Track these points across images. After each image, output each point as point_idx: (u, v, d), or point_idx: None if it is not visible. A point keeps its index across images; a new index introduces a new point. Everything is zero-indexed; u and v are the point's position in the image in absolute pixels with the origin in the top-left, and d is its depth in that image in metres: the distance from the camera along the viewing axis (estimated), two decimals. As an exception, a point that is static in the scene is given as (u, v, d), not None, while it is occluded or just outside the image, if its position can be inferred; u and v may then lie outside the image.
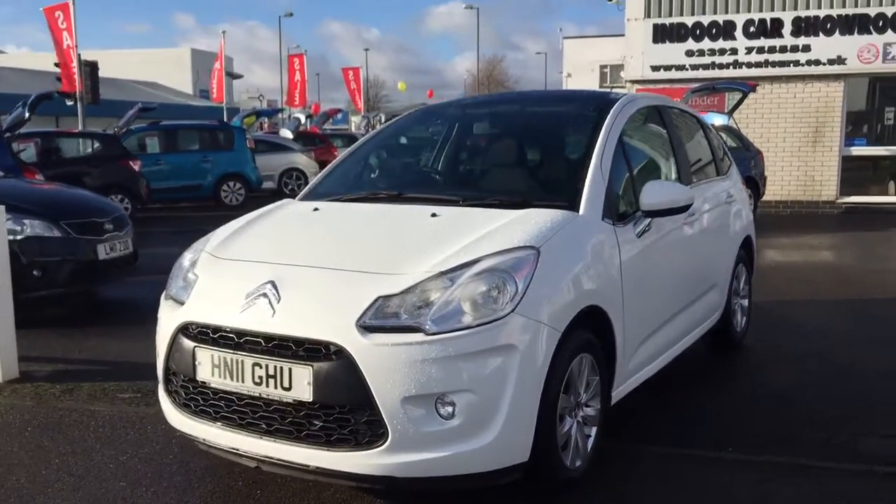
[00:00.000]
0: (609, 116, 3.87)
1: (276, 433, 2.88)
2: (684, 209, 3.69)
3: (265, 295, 2.94)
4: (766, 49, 14.05)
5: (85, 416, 4.19)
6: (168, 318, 3.23)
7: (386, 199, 3.77)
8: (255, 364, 2.88)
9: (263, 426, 2.91)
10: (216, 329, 3.01)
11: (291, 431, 2.85)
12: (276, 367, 2.83)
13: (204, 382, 3.03)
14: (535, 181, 3.87)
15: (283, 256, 3.18)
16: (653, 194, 3.60)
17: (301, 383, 2.77)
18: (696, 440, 3.75)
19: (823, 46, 13.80)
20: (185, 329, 3.11)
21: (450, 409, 2.70)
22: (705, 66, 14.30)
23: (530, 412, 2.83)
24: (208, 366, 3.00)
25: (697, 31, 14.33)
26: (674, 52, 14.46)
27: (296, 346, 2.81)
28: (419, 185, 4.14)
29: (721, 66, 14.22)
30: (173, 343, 3.15)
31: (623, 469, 3.41)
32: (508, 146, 4.05)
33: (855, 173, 14.15)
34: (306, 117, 26.19)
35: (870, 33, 13.63)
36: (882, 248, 10.41)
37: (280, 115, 25.64)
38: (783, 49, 13.98)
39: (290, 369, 2.80)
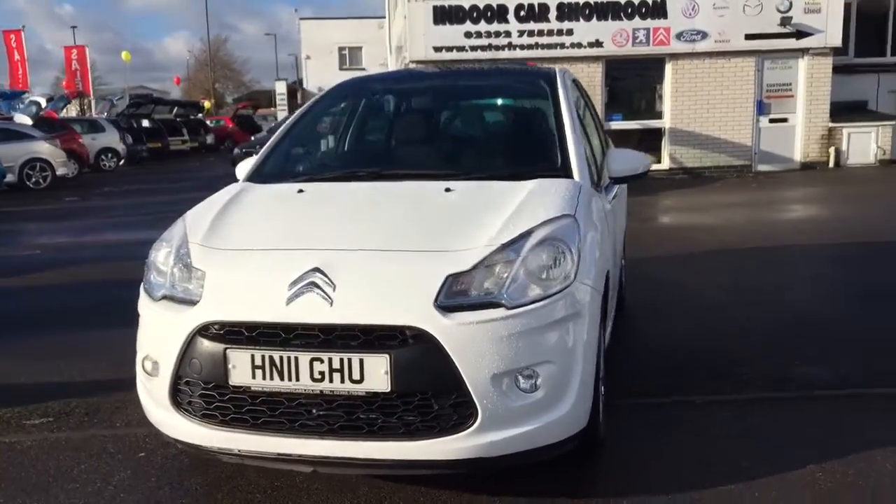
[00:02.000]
0: (560, 87, 4.05)
1: (340, 431, 2.71)
2: (644, 175, 3.95)
3: (314, 284, 2.73)
4: (535, 32, 15.04)
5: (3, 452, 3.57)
6: (173, 322, 2.88)
7: (367, 177, 3.62)
8: (313, 359, 2.67)
9: (323, 425, 2.72)
10: (252, 327, 2.74)
11: (361, 427, 2.69)
12: (341, 359, 2.65)
13: (240, 387, 2.75)
14: (524, 152, 3.91)
15: (314, 241, 2.96)
16: (620, 161, 3.79)
17: (376, 374, 2.62)
18: (651, 390, 4.05)
19: (584, 31, 15.06)
20: (204, 330, 2.79)
21: (533, 381, 2.71)
22: (483, 48, 14.98)
23: (592, 376, 2.93)
24: (246, 368, 2.73)
25: (474, 14, 14.95)
26: (453, 34, 14.97)
27: (364, 335, 2.65)
28: (394, 162, 4.01)
29: (497, 48, 14.98)
30: (187, 348, 2.81)
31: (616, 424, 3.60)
32: (480, 119, 4.06)
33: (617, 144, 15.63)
34: (47, 100, 23.46)
35: (621, 20, 15.10)
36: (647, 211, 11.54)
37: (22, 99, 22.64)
38: (550, 32, 15.06)
39: (360, 360, 2.63)
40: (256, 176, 3.84)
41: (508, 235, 2.86)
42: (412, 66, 15.18)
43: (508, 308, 2.69)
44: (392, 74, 5.22)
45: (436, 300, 2.67)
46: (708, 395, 3.94)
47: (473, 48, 14.99)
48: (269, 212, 3.36)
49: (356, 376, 2.64)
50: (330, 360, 2.66)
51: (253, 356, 2.73)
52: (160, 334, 2.95)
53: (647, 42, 15.10)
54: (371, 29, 50.58)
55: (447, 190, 3.31)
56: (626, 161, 3.83)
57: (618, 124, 15.48)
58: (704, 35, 15.11)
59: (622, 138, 15.51)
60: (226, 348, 2.75)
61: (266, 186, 3.64)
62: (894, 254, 7.59)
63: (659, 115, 15.66)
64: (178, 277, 3.01)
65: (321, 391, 2.69)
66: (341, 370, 2.65)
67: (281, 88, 44.14)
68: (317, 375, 2.67)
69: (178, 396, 2.89)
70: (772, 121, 15.68)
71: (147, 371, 3.05)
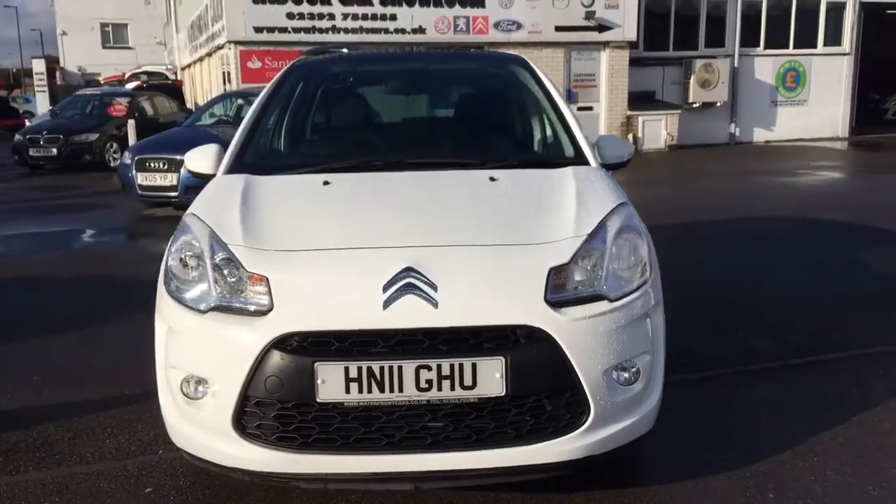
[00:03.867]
0: (539, 73, 4.03)
1: (446, 442, 2.53)
2: (627, 163, 4.02)
3: (412, 285, 2.51)
4: (359, 16, 14.83)
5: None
6: (236, 336, 2.53)
7: (385, 167, 3.38)
8: (420, 367, 2.46)
9: (427, 438, 2.52)
10: (343, 336, 2.48)
11: (469, 435, 2.53)
12: (451, 365, 2.46)
13: (329, 404, 2.48)
14: (534, 140, 3.82)
15: (392, 238, 2.71)
16: (612, 148, 3.72)
17: (490, 378, 2.47)
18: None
19: (407, 16, 15.08)
20: (282, 343, 2.48)
21: (634, 373, 2.69)
22: (307, 30, 14.52)
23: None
24: (339, 382, 2.46)
25: (297, -6, 14.45)
26: (275, 14, 14.36)
27: (474, 338, 2.49)
28: (404, 150, 3.73)
29: (321, 31, 14.59)
30: (259, 365, 2.49)
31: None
32: (477, 105, 3.91)
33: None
34: None
35: (443, 7, 15.30)
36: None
37: None
38: (374, 17, 14.92)
39: (473, 365, 2.47)
40: (239, 167, 3.45)
41: (588, 226, 2.81)
42: (230, 47, 14.39)
43: (611, 300, 2.65)
44: (361, 57, 4.89)
45: (545, 296, 2.56)
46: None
47: (296, 30, 14.50)
48: (307, 207, 3.04)
49: (468, 382, 2.47)
50: (439, 366, 2.47)
51: (347, 368, 2.46)
52: (215, 350, 2.58)
53: (467, 30, 15.43)
54: (136, 4, 47.24)
55: (492, 179, 3.19)
56: (616, 148, 3.85)
57: (441, 110, 15.68)
58: (519, 25, 15.72)
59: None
60: (314, 362, 2.46)
61: (276, 178, 3.28)
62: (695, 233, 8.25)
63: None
64: (228, 286, 2.64)
65: (428, 401, 2.48)
66: (451, 377, 2.47)
67: (39, 67, 39.93)
68: (423, 384, 2.47)
69: (244, 420, 2.55)
70: (579, 109, 16.65)
71: (188, 394, 2.66)
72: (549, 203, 2.98)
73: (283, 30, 14.44)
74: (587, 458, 2.63)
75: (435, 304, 2.49)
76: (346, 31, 14.73)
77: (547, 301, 2.55)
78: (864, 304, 5.30)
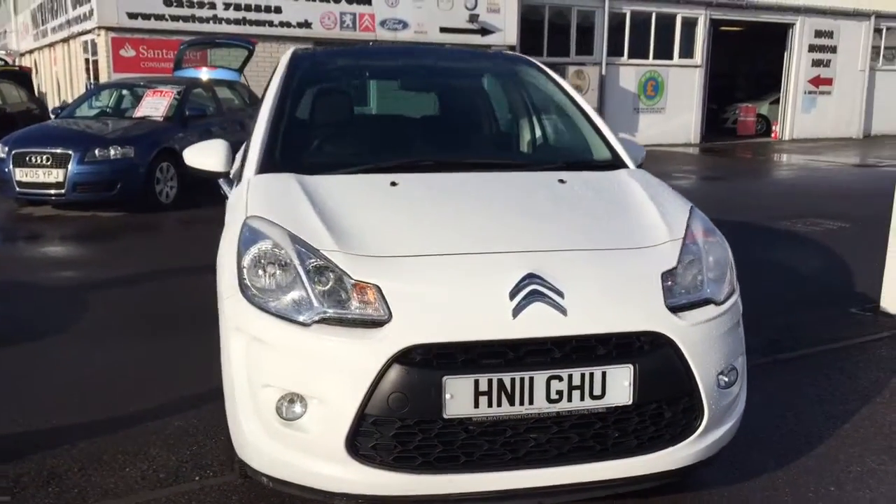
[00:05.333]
0: (553, 74, 4.00)
1: (571, 454, 2.45)
2: (641, 166, 4.05)
3: (538, 292, 2.41)
4: (242, 6, 14.22)
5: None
6: (350, 350, 2.33)
7: (435, 167, 3.23)
8: (551, 377, 2.37)
9: (552, 451, 2.43)
10: (469, 347, 2.34)
11: (593, 447, 2.46)
12: (582, 374, 2.39)
13: (455, 419, 2.34)
14: (577, 140, 3.73)
15: (503, 243, 2.59)
16: (633, 150, 3.74)
17: (619, 386, 2.41)
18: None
19: (292, 10, 14.64)
20: (405, 357, 2.31)
21: (734, 375, 2.71)
22: (185, 19, 13.75)
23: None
24: (468, 396, 2.33)
25: (176, -20, 13.64)
26: (151, 0, 13.48)
27: (602, 345, 2.42)
28: (448, 150, 3.55)
29: (201, 20, 13.87)
30: (380, 380, 2.31)
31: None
32: (507, 106, 3.80)
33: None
34: None
35: (329, 2, 14.96)
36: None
37: None
38: (258, 8, 14.36)
39: (602, 374, 2.40)
40: (273, 166, 3.18)
41: (679, 230, 2.81)
42: (99, 33, 13.39)
43: (717, 304, 2.66)
44: (367, 51, 4.63)
45: (665, 301, 2.53)
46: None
47: (175, 18, 13.72)
48: (391, 209, 2.83)
49: (597, 391, 2.40)
50: (570, 376, 2.38)
51: (477, 382, 2.33)
52: (325, 366, 2.36)
53: (353, 27, 15.19)
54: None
55: (561, 181, 3.12)
56: (636, 150, 3.84)
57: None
58: (406, 25, 15.66)
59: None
60: (443, 376, 2.31)
61: (333, 178, 3.05)
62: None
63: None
64: (330, 295, 2.42)
65: (557, 412, 2.39)
66: (581, 387, 2.39)
67: None
68: (554, 395, 2.38)
69: (357, 440, 2.35)
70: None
71: (285, 416, 2.42)
72: (628, 206, 2.97)
73: (160, 17, 13.60)
74: (697, 463, 2.63)
75: (564, 312, 2.40)
76: (228, 21, 14.10)
77: (668, 306, 2.52)
78: (798, 302, 5.62)
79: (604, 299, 2.48)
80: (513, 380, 2.34)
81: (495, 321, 2.36)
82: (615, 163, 3.50)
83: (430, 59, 4.47)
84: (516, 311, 2.37)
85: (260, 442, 2.49)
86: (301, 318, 2.41)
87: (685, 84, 20.53)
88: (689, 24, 20.42)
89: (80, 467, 3.09)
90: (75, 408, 3.69)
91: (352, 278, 2.43)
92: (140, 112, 10.11)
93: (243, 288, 2.54)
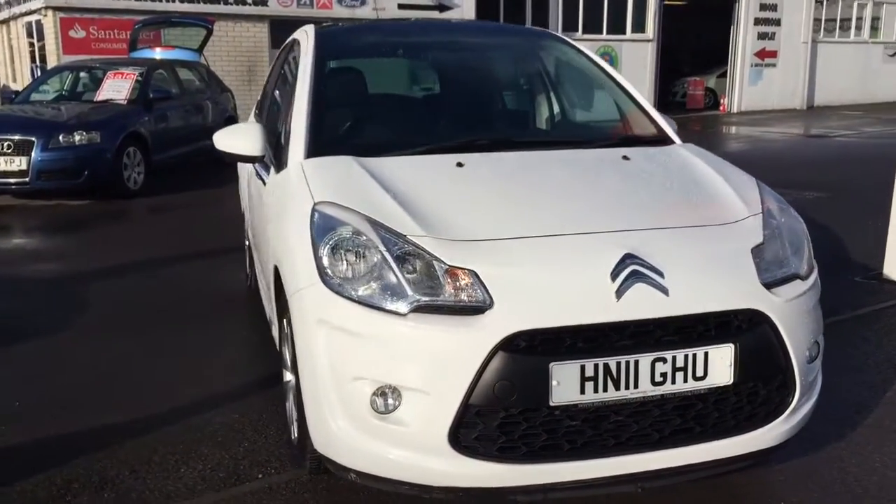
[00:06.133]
0: (584, 49, 3.93)
1: (671, 437, 2.40)
2: None
3: (639, 273, 2.34)
4: (196, -16, 13.75)
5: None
6: (452, 338, 2.24)
7: (492, 146, 3.12)
8: (656, 360, 2.32)
9: (653, 434, 2.38)
10: (576, 331, 2.27)
11: (692, 428, 2.42)
12: (685, 355, 2.34)
13: (560, 406, 2.26)
14: (622, 116, 3.65)
15: (595, 222, 2.52)
16: (671, 124, 3.71)
17: (721, 366, 2.37)
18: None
19: (248, -13, 14.20)
20: (510, 344, 2.23)
21: (817, 350, 2.69)
22: (136, -4, 13.23)
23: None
24: (574, 382, 2.26)
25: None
26: (102, -22, 12.93)
27: (703, 325, 2.37)
28: (498, 128, 3.44)
29: (154, -1, 13.37)
30: (485, 369, 2.22)
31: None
32: (546, 82, 3.70)
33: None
34: None
35: (285, -21, 14.56)
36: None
37: None
38: (212, -14, 13.90)
39: (705, 354, 2.36)
40: (323, 149, 3.03)
41: (755, 205, 2.77)
42: (46, 13, 12.80)
43: (803, 279, 2.63)
44: (392, 27, 4.44)
45: (759, 277, 2.49)
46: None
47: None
48: (468, 191, 2.73)
49: (700, 372, 2.36)
50: (674, 358, 2.33)
51: (583, 367, 2.26)
52: (426, 356, 2.26)
53: (311, 4, 14.86)
54: None
55: (625, 158, 3.05)
56: (672, 125, 3.80)
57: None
58: (363, 1, 15.39)
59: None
60: (550, 362, 2.23)
61: (395, 160, 2.92)
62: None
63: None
64: (424, 282, 2.32)
65: (662, 395, 2.34)
66: (685, 368, 2.34)
67: None
68: (658, 378, 2.32)
69: (460, 432, 2.26)
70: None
71: (379, 409, 2.31)
72: (699, 182, 2.92)
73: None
74: (786, 442, 2.60)
75: (666, 292, 2.34)
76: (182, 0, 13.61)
77: (763, 283, 2.48)
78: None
79: (702, 278, 2.42)
80: (618, 364, 2.28)
81: (599, 303, 2.29)
82: (661, 138, 3.45)
83: (462, 34, 4.32)
84: (619, 293, 2.30)
85: (349, 437, 2.38)
86: (395, 307, 2.30)
87: (638, 59, 20.69)
88: (641, -1, 20.56)
89: (130, 470, 2.94)
90: (107, 406, 3.51)
91: (445, 264, 2.33)
92: (102, 95, 9.70)
93: (324, 277, 2.41)
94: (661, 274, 2.36)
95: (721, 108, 23.46)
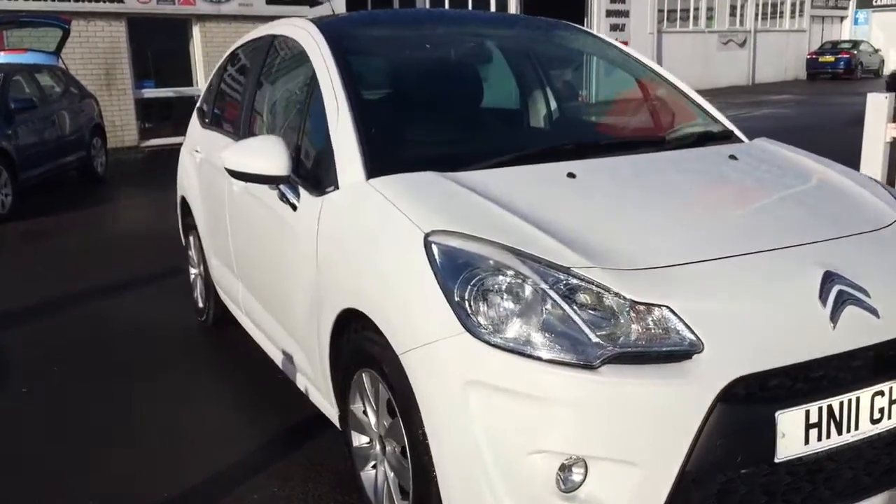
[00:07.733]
0: (618, 44, 3.60)
1: (884, 479, 2.08)
2: None
3: (846, 294, 1.98)
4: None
5: None
6: (667, 391, 1.80)
7: (576, 152, 2.67)
8: (875, 394, 1.98)
9: (865, 479, 2.04)
10: (796, 371, 1.88)
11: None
12: (898, 385, 2.01)
13: (785, 462, 1.87)
14: (687, 113, 3.25)
15: (773, 237, 2.13)
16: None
17: (930, 392, 2.06)
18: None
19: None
20: (728, 393, 1.81)
21: None
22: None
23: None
24: (800, 431, 1.90)
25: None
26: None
27: (907, 348, 2.05)
28: (571, 130, 2.96)
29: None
30: (704, 427, 1.79)
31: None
32: (595, 79, 3.29)
33: (153, 114, 13.96)
34: None
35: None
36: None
37: None
38: (59, -20, 12.46)
39: (916, 381, 2.04)
40: (386, 167, 2.45)
41: (893, 205, 2.50)
42: None
43: None
44: (415, 16, 3.81)
45: None
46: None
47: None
48: (603, 207, 2.26)
49: (912, 402, 2.03)
50: (891, 389, 2.00)
51: (808, 412, 1.88)
52: (627, 418, 1.79)
53: (172, 0, 13.65)
54: None
55: (732, 157, 2.70)
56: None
57: (150, 92, 13.80)
58: (228, -3, 14.35)
59: (158, 108, 13.99)
60: (775, 410, 1.83)
61: (493, 173, 2.41)
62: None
63: (192, 82, 14.36)
64: (605, 325, 1.85)
65: (878, 434, 2.00)
66: (899, 398, 2.01)
67: None
68: (876, 414, 1.99)
69: (675, 507, 1.82)
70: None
71: (565, 487, 1.83)
72: (822, 182, 2.64)
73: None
74: None
75: (876, 314, 2.00)
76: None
77: None
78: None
79: None
80: (841, 403, 1.92)
81: (816, 334, 1.92)
82: (728, 134, 3.13)
83: (491, 26, 3.76)
84: (834, 319, 1.94)
85: None
86: (582, 360, 1.81)
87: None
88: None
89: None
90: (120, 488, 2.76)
91: (627, 299, 1.87)
92: (-48, 107, 8.36)
93: (471, 327, 1.89)
94: (865, 292, 2.01)
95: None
